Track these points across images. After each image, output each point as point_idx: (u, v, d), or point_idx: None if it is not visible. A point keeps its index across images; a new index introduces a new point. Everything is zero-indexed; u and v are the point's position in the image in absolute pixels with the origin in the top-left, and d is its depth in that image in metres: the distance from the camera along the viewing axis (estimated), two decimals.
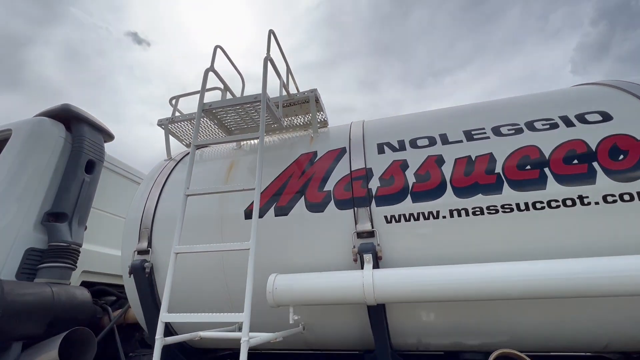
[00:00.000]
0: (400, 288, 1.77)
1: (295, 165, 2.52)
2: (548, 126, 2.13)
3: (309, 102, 2.72)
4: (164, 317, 1.72)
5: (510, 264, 1.70)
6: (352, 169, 2.32)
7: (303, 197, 2.33)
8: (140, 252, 2.53)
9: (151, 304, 2.48)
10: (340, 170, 2.36)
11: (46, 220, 2.98)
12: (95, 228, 3.58)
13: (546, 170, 1.96)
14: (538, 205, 1.91)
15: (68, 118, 3.40)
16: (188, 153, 3.18)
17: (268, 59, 2.34)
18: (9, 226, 2.74)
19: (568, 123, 2.10)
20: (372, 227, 2.09)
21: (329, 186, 2.32)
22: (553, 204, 1.89)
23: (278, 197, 2.38)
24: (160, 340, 1.67)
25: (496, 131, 2.21)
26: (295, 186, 2.38)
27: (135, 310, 2.65)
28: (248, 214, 2.40)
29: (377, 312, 2.07)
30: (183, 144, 3.48)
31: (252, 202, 2.38)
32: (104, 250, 3.66)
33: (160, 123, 3.22)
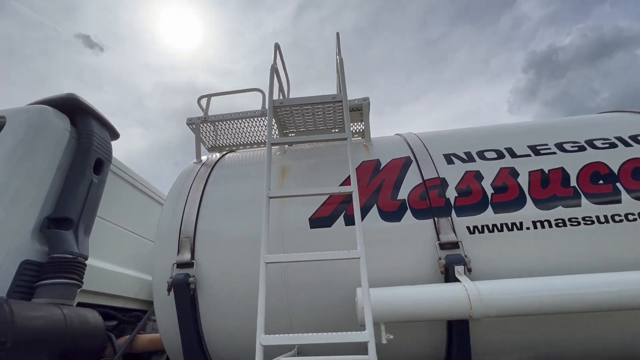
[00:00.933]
0: (510, 300, 1.70)
1: (359, 172, 2.39)
2: (607, 145, 2.28)
3: (362, 110, 2.65)
4: (263, 339, 1.45)
5: (615, 275, 1.72)
6: (424, 178, 2.26)
7: (375, 205, 2.21)
8: (181, 265, 2.18)
9: (192, 326, 2.12)
10: (411, 179, 2.29)
11: (46, 227, 2.47)
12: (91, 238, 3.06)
13: (618, 185, 2.07)
14: (617, 218, 1.99)
15: (73, 110, 2.94)
16: (220, 156, 2.91)
17: (341, 59, 2.24)
18: (1, 232, 2.22)
19: (626, 143, 2.27)
20: (457, 238, 2.02)
21: (403, 195, 2.22)
22: (630, 217, 1.99)
23: (346, 205, 2.23)
24: None
25: (560, 147, 2.31)
26: (364, 195, 2.25)
27: (166, 334, 2.25)
28: (314, 223, 2.20)
29: (460, 328, 1.96)
30: (205, 147, 3.19)
31: (317, 210, 2.22)
32: (100, 264, 3.12)
33: (191, 122, 2.93)
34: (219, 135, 3.15)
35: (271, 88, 2.17)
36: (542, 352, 2.05)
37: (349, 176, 2.38)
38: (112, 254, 3.14)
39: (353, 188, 1.77)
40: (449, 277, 1.94)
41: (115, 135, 3.33)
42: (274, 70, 2.22)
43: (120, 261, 3.21)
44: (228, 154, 2.97)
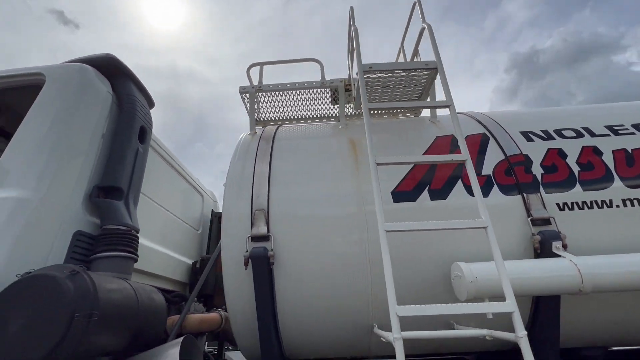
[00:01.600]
0: (619, 275, 1.68)
1: (435, 148, 2.31)
2: None
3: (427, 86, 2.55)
4: (399, 310, 1.35)
5: None
6: (507, 154, 2.20)
7: (460, 180, 2.13)
8: (256, 239, 2.04)
9: (269, 302, 2.00)
10: (493, 155, 2.23)
11: (96, 196, 2.26)
12: None
13: None
14: None
15: (112, 72, 2.69)
16: (276, 129, 2.75)
17: (429, 26, 2.12)
18: (53, 201, 2.00)
19: None
20: (549, 214, 1.98)
21: (487, 170, 2.16)
22: None
23: (430, 180, 2.14)
24: (400, 339, 1.30)
25: (638, 128, 2.31)
26: (447, 170, 2.17)
27: (236, 313, 2.11)
28: (397, 196, 2.11)
29: (550, 304, 1.94)
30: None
31: (399, 184, 2.13)
32: (143, 241, 2.92)
33: (244, 91, 2.74)
34: (268, 108, 2.98)
35: (358, 51, 2.03)
36: (627, 331, 2.06)
37: (425, 151, 2.31)
38: (152, 232, 2.94)
39: (466, 157, 1.68)
40: (542, 253, 1.90)
41: (151, 103, 3.09)
42: (357, 33, 2.08)
43: (159, 240, 3.01)
44: (280, 128, 2.81)
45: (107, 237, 2.15)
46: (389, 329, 2.02)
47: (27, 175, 1.93)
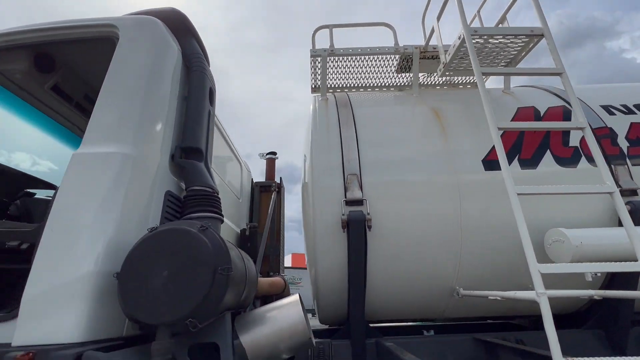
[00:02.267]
0: None
1: (519, 119, 2.32)
2: None
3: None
4: (541, 267, 1.41)
5: None
6: (592, 127, 2.23)
7: (548, 150, 2.16)
8: (350, 203, 2.05)
9: (362, 264, 2.04)
10: None
11: (179, 157, 2.20)
12: None
13: None
14: None
15: (179, 28, 2.55)
16: (348, 95, 2.69)
17: None
18: (149, 158, 1.94)
19: None
20: (637, 185, 2.05)
21: (574, 142, 2.20)
22: None
23: (519, 150, 2.17)
24: (545, 294, 1.35)
25: None
26: (535, 139, 2.19)
27: (324, 274, 2.16)
28: (488, 165, 2.13)
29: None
30: (314, 85, 2.96)
31: (490, 151, 2.15)
32: None
33: (316, 54, 2.66)
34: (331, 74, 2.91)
35: (462, 12, 1.96)
36: None
37: (510, 121, 2.31)
38: None
39: (584, 124, 1.69)
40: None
41: (209, 63, 2.97)
42: None
43: None
44: (351, 95, 2.76)
45: (194, 198, 2.12)
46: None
47: (124, 131, 1.86)
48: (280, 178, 4.44)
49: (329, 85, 3.05)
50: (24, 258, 1.85)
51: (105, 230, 1.53)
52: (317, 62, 2.69)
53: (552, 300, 2.29)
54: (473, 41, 2.07)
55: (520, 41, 2.09)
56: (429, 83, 2.95)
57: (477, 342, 2.18)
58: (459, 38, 2.03)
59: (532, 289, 1.81)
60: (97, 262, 1.45)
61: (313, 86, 3.04)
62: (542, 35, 1.96)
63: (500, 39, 2.04)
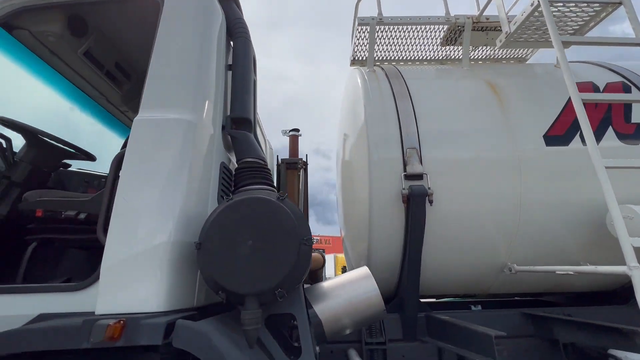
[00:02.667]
0: None
1: None
2: None
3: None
4: (635, 241, 1.39)
5: None
6: None
7: (610, 127, 2.12)
8: (410, 177, 2.00)
9: (420, 238, 2.02)
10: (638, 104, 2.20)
11: (230, 128, 2.12)
12: None
13: None
14: None
15: None
16: (395, 68, 2.59)
17: None
18: (206, 127, 1.86)
19: None
20: None
21: (636, 118, 2.15)
22: None
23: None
24: (638, 268, 1.34)
25: None
26: (597, 116, 2.14)
27: (378, 247, 2.14)
28: (550, 140, 2.08)
29: None
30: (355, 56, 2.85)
31: (551, 127, 2.10)
32: None
33: (364, 23, 2.53)
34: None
35: None
36: None
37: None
38: None
39: None
40: None
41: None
42: None
43: None
44: (400, 67, 2.65)
45: (248, 170, 2.05)
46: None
47: (184, 97, 1.76)
48: (306, 155, 4.37)
49: (364, 58, 2.94)
50: (79, 228, 1.79)
51: (175, 200, 1.48)
52: (363, 32, 2.57)
53: (598, 276, 2.32)
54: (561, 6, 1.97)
55: (592, 10, 2.00)
56: (473, 57, 2.85)
57: (525, 316, 2.21)
58: (532, 5, 1.92)
59: (583, 264, 1.83)
60: (171, 232, 1.41)
61: (354, 58, 2.93)
62: (619, 3, 1.86)
63: (571, 6, 1.95)
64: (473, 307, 2.51)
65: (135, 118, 1.60)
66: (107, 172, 1.69)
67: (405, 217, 2.03)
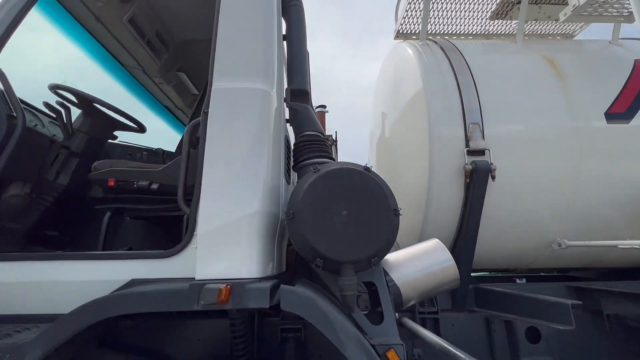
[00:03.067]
0: None
1: (638, 72, 2.23)
2: None
3: None
4: None
5: None
6: None
7: None
8: (472, 153, 2.01)
9: (478, 213, 2.06)
10: None
11: (290, 99, 2.09)
12: None
13: None
14: None
15: None
16: (448, 41, 2.53)
17: None
18: (274, 98, 1.83)
19: None
20: None
21: None
22: None
23: None
24: None
25: None
26: None
27: (436, 221, 2.17)
28: (611, 117, 2.08)
29: None
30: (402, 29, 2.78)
31: (613, 104, 2.09)
32: None
33: None
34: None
35: None
36: None
37: (629, 74, 2.23)
38: None
39: None
40: None
41: None
42: None
43: None
44: (454, 41, 2.59)
45: (310, 144, 2.04)
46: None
47: (256, 67, 1.73)
48: (335, 132, 4.34)
49: (411, 31, 2.87)
50: (153, 199, 1.80)
51: (260, 170, 1.49)
52: (414, 3, 2.50)
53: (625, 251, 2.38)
54: None
55: None
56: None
57: (569, 289, 2.30)
58: None
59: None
60: (259, 202, 1.43)
61: (399, 31, 2.86)
62: None
63: None
64: (518, 280, 2.59)
65: (214, 86, 1.57)
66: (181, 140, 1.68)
67: (465, 191, 2.06)
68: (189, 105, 3.66)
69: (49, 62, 2.88)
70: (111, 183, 1.72)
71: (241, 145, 1.49)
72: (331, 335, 1.16)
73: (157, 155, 2.91)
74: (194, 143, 1.68)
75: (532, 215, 2.17)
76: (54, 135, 2.24)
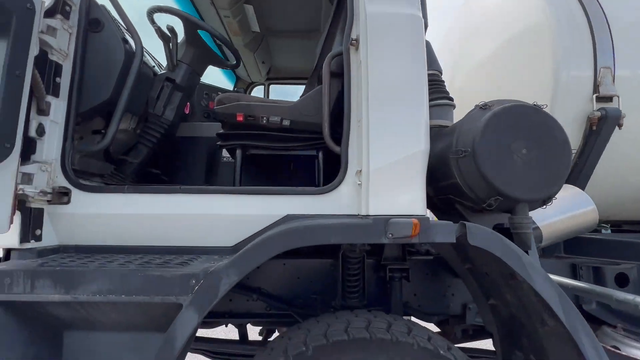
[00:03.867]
0: None
1: None
2: None
3: None
4: None
5: None
6: None
7: None
8: (601, 99, 1.92)
9: (595, 165, 2.02)
10: None
11: None
12: None
13: None
14: None
15: None
16: None
17: None
18: None
19: None
20: None
21: None
22: None
23: None
24: None
25: None
26: None
27: None
28: None
29: None
30: None
31: None
32: None
33: None
34: None
35: None
36: None
37: None
38: None
39: None
40: None
41: None
42: None
43: None
44: None
45: (431, 83, 1.93)
46: None
47: None
48: None
49: None
50: (280, 136, 1.72)
51: (424, 103, 1.41)
52: None
53: None
54: None
55: None
56: None
57: None
58: None
59: None
60: (422, 140, 1.37)
61: None
62: None
63: None
64: (603, 230, 2.64)
65: (368, 10, 1.42)
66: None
67: (584, 139, 1.99)
68: (246, 46, 3.41)
69: None
70: (240, 118, 1.63)
71: (406, 77, 1.39)
72: (520, 269, 1.17)
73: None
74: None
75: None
76: (154, 66, 2.09)
